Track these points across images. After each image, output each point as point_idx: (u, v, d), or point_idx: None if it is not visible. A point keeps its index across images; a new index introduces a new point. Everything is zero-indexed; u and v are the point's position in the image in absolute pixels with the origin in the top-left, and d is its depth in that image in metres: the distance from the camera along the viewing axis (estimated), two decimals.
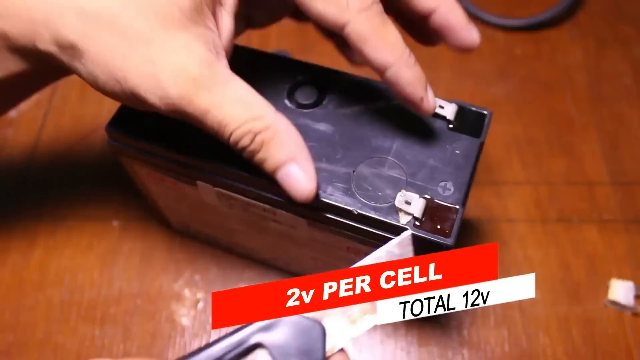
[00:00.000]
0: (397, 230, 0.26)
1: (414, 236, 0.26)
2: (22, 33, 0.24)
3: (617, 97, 0.46)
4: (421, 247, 0.26)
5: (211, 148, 0.27)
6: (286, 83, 0.30)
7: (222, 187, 0.29)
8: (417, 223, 0.26)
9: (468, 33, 0.27)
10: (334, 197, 0.26)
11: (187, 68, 0.23)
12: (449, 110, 0.29)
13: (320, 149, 0.28)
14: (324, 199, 0.26)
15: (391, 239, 0.27)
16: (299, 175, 0.24)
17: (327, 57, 0.48)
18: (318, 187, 0.26)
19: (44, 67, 0.26)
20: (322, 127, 0.29)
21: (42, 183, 0.42)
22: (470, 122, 0.29)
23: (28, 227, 0.40)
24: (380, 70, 0.26)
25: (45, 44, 0.24)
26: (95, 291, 0.38)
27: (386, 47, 0.25)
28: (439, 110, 0.29)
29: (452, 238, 0.25)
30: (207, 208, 0.32)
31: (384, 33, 0.25)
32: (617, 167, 0.42)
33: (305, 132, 0.28)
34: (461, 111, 0.29)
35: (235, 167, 0.27)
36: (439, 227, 0.26)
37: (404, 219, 0.26)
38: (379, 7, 0.25)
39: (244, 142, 0.24)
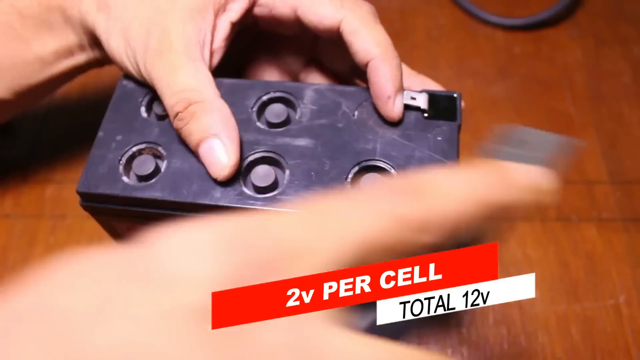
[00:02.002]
0: None
1: None
2: (71, 5, 0.31)
3: (616, 96, 0.46)
4: None
5: (189, 193, 0.27)
6: (252, 106, 0.30)
7: None
8: None
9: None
10: None
11: (150, 43, 0.27)
12: (421, 100, 0.29)
13: (306, 165, 0.27)
14: None
15: None
16: (219, 150, 0.25)
17: None
18: (238, 168, 0.26)
19: (87, 39, 0.32)
20: (302, 142, 0.28)
21: (42, 182, 0.42)
22: (443, 107, 0.29)
23: (28, 225, 0.40)
24: (364, 62, 0.27)
25: (87, 5, 0.30)
26: None
27: (373, 40, 0.27)
28: (411, 102, 0.29)
29: None
30: None
31: (374, 29, 0.27)
32: (616, 166, 0.42)
33: (287, 151, 0.28)
34: (432, 98, 0.29)
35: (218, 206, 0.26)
36: None
37: None
38: (370, 8, 0.28)
39: (178, 107, 0.26)
